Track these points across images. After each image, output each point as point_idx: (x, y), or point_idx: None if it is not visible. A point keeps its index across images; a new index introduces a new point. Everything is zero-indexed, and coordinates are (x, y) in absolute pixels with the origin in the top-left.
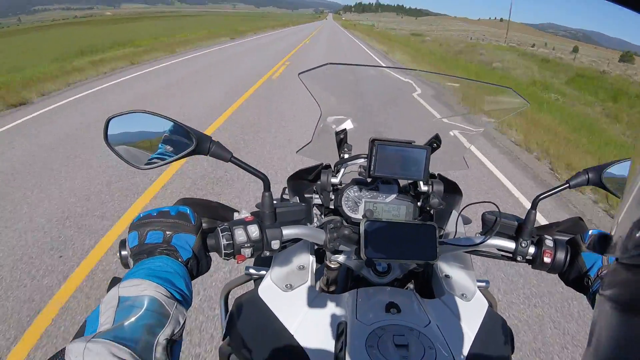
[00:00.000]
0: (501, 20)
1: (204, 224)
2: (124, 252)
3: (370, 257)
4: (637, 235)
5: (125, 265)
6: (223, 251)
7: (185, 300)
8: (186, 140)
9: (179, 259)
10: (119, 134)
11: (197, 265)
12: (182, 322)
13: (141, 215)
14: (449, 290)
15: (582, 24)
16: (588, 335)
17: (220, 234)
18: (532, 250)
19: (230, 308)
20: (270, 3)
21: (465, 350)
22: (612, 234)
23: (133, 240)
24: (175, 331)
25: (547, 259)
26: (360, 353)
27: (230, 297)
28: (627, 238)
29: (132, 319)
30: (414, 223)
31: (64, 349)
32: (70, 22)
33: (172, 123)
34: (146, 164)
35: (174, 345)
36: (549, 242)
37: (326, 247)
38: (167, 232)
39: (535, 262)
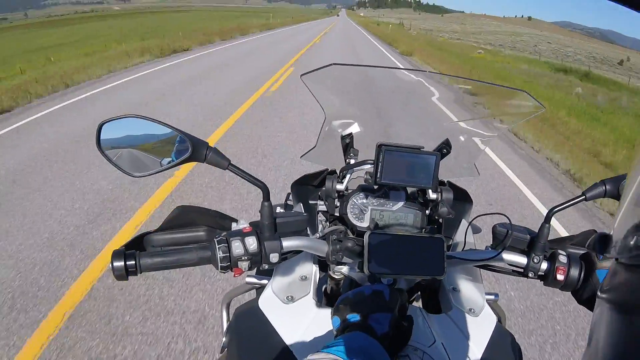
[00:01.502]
0: (529, 19)
1: (201, 232)
2: (118, 264)
3: (374, 272)
4: (637, 235)
5: (119, 277)
6: (219, 264)
7: None
8: (182, 147)
9: (374, 335)
10: (112, 139)
11: (394, 340)
12: None
13: (340, 300)
14: (457, 304)
15: (597, 22)
16: (587, 335)
17: (217, 246)
18: (544, 266)
19: (230, 318)
20: None
21: None
22: (612, 234)
23: (336, 323)
24: None
25: (560, 276)
26: None
27: (231, 306)
28: (627, 238)
29: None
30: (421, 236)
31: None
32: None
33: (167, 128)
34: (140, 172)
35: None
36: (562, 258)
37: (328, 259)
38: (364, 313)
39: (548, 278)
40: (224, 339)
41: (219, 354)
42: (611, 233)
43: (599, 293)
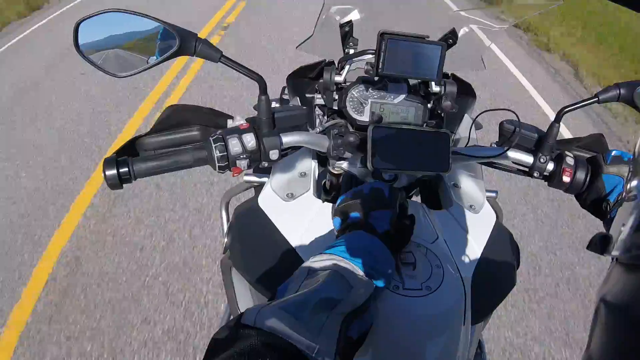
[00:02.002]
0: None
1: (194, 132)
2: (110, 172)
3: (378, 167)
4: (637, 235)
5: (112, 186)
6: (217, 164)
7: (379, 275)
8: (169, 40)
9: (375, 233)
10: (92, 40)
11: (396, 238)
12: (365, 297)
13: (339, 200)
14: (457, 200)
15: None
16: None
17: (213, 145)
18: (550, 166)
19: (230, 218)
20: None
21: (472, 267)
22: (612, 234)
23: (337, 223)
24: (357, 306)
25: (566, 178)
26: None
27: (231, 206)
28: (627, 238)
29: (309, 291)
30: (427, 130)
31: (244, 311)
32: None
33: (151, 21)
34: (125, 71)
35: (354, 320)
36: (569, 160)
37: (329, 154)
38: (364, 211)
39: (553, 180)
40: (225, 240)
41: (222, 254)
42: (611, 233)
43: (598, 293)
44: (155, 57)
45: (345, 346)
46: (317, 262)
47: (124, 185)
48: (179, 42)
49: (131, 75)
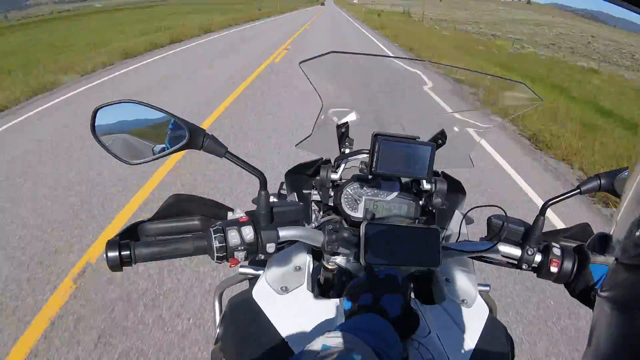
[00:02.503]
0: (528, 2)
1: (195, 221)
2: (112, 254)
3: (371, 263)
4: (637, 235)
5: (113, 268)
6: (215, 254)
7: (388, 359)
8: (178, 133)
9: (387, 317)
10: (108, 125)
11: (407, 323)
12: None
13: (352, 283)
14: (450, 295)
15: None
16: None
17: (213, 236)
18: (538, 258)
19: (224, 309)
20: None
21: None
22: (612, 234)
23: (347, 304)
24: None
25: (553, 269)
26: None
27: (224, 296)
28: (627, 238)
29: None
30: (417, 227)
31: None
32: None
33: (163, 114)
34: (136, 159)
35: None
36: (556, 251)
37: (324, 249)
38: (376, 294)
39: (541, 271)
40: (217, 330)
41: (213, 345)
42: (611, 233)
43: (599, 292)
44: (163, 148)
45: None
46: (332, 338)
47: (125, 268)
48: (188, 136)
49: (141, 163)
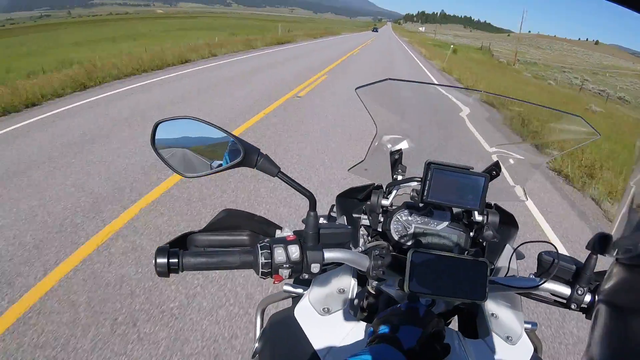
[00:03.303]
0: (596, 43)
1: (244, 237)
2: (161, 261)
3: (414, 292)
4: (637, 236)
5: (160, 274)
6: (260, 269)
7: None
8: (234, 151)
9: (400, 348)
10: (167, 139)
11: (427, 356)
12: None
13: (379, 314)
14: (495, 330)
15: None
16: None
17: (260, 252)
18: (588, 298)
19: (265, 324)
20: (329, 10)
21: None
22: (612, 234)
23: (370, 332)
24: None
25: None
26: None
27: (266, 313)
28: (627, 239)
29: None
30: (465, 258)
31: None
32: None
33: (221, 132)
34: (191, 172)
35: None
36: None
37: (369, 274)
38: (394, 324)
39: (591, 312)
40: (256, 345)
41: (251, 358)
42: (611, 233)
43: (598, 293)
44: (219, 164)
45: None
46: None
47: (171, 274)
48: (243, 154)
49: (197, 177)
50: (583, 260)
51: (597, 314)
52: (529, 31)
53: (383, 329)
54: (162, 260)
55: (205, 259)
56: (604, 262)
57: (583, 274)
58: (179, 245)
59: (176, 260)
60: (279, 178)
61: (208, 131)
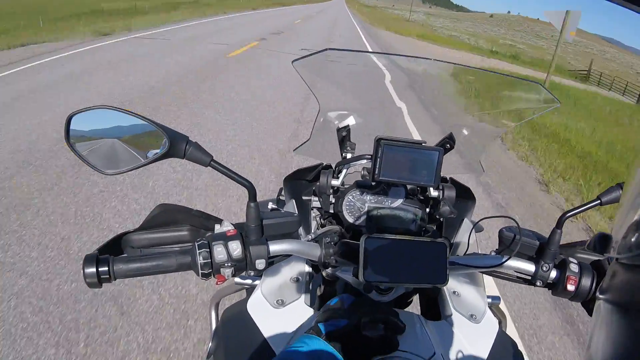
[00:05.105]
0: (508, 12)
1: (184, 232)
2: (89, 270)
3: (370, 281)
4: (637, 235)
5: (91, 285)
6: (200, 271)
7: None
8: (158, 141)
9: (321, 335)
10: (82, 132)
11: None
12: None
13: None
14: (457, 309)
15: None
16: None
17: (197, 251)
18: (554, 274)
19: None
20: None
21: None
22: (612, 234)
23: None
24: None
25: (570, 287)
26: None
27: (221, 306)
28: (627, 238)
29: None
30: (422, 241)
31: None
32: None
33: (142, 121)
34: (112, 169)
35: None
36: (573, 267)
37: (321, 264)
38: (319, 320)
39: (557, 288)
40: (209, 344)
41: (207, 359)
42: (611, 233)
43: (598, 293)
44: (143, 157)
45: None
46: None
47: (103, 284)
48: (169, 144)
49: (118, 173)
50: (546, 235)
51: (597, 314)
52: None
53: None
54: (91, 270)
55: (138, 265)
56: (568, 237)
57: (547, 249)
58: (113, 249)
59: (106, 268)
60: (212, 167)
61: (127, 120)
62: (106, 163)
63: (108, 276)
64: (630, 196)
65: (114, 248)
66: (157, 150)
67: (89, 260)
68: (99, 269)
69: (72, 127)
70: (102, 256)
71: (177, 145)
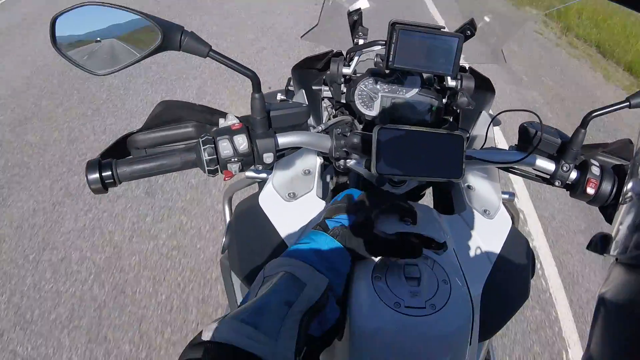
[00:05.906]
0: None
1: (189, 128)
2: (92, 176)
3: (382, 174)
4: (637, 235)
5: (96, 190)
6: (206, 167)
7: (330, 271)
8: (152, 34)
9: (328, 232)
10: (69, 35)
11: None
12: (320, 293)
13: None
14: (471, 204)
15: None
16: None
17: (202, 147)
18: (574, 175)
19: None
20: None
21: (483, 280)
22: (612, 234)
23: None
24: (312, 302)
25: (590, 190)
26: (364, 284)
27: (234, 200)
28: (627, 238)
29: (263, 296)
30: (438, 132)
31: (203, 328)
32: None
33: (132, 14)
34: (104, 69)
35: (313, 318)
36: (594, 169)
37: (332, 156)
38: (326, 216)
39: (576, 190)
40: (224, 239)
41: (221, 254)
42: (611, 233)
43: (598, 293)
44: (136, 53)
45: (309, 345)
46: (271, 266)
47: (109, 189)
48: (162, 36)
49: (111, 73)
50: (569, 134)
51: (597, 314)
52: None
53: (318, 219)
54: (94, 176)
55: (142, 166)
56: (591, 137)
57: (569, 148)
58: (118, 152)
59: (110, 172)
60: (211, 57)
61: (116, 16)
62: (97, 63)
63: (112, 180)
64: (630, 197)
65: (119, 151)
66: (151, 44)
67: (91, 166)
68: (103, 174)
69: (57, 29)
70: (104, 160)
71: (171, 37)
